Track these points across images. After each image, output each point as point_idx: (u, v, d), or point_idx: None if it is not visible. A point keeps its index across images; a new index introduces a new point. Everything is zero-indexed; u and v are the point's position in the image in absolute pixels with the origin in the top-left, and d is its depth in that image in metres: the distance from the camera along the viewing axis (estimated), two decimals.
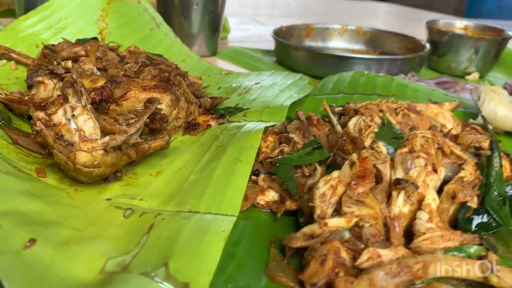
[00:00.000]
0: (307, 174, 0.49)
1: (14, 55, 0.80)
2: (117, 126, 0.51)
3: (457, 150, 0.49)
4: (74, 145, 0.47)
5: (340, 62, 0.96)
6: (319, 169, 0.48)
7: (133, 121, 0.53)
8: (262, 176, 0.50)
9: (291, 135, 0.55)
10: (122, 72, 0.67)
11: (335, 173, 0.44)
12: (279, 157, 0.51)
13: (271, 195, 0.49)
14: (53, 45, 0.75)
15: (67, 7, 0.86)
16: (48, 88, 0.67)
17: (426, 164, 0.46)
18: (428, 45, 1.07)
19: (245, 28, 1.48)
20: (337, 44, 1.25)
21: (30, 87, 0.70)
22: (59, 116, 0.48)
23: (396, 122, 0.53)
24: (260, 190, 0.49)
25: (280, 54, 1.08)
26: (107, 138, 0.49)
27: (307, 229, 0.40)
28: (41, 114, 0.48)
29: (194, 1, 1.00)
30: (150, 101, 0.56)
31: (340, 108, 0.66)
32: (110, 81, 0.62)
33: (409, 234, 0.42)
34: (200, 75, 0.91)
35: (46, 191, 0.47)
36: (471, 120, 0.71)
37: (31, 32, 0.83)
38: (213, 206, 0.46)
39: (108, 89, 0.60)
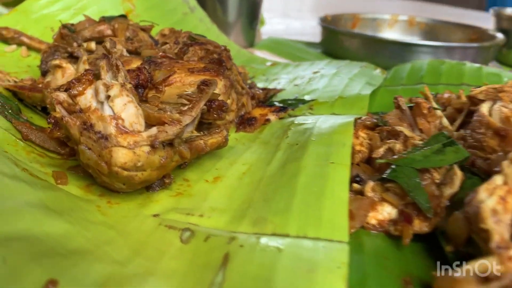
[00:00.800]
0: (439, 181, 0.34)
1: (25, 40, 0.66)
2: (167, 113, 0.36)
3: None
4: (110, 138, 0.33)
5: (405, 50, 0.81)
6: (459, 174, 0.33)
7: (186, 108, 0.39)
8: (370, 184, 0.36)
9: (399, 128, 0.40)
10: (160, 53, 0.53)
11: (498, 179, 0.29)
12: (394, 157, 0.37)
13: (387, 211, 0.34)
14: (72, 24, 0.61)
15: None
16: (67, 73, 0.53)
17: None
18: (499, 34, 0.92)
19: (277, 21, 1.34)
20: (388, 35, 1.10)
21: (44, 73, 0.57)
22: (87, 98, 0.34)
23: None
24: (371, 204, 0.34)
25: (329, 43, 0.94)
26: (154, 130, 0.35)
27: (479, 266, 0.26)
28: (62, 96, 0.34)
29: None
30: (205, 83, 0.42)
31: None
32: (147, 61, 0.48)
33: None
34: (243, 65, 0.77)
35: (68, 203, 0.33)
36: None
37: (46, 13, 0.70)
38: (309, 227, 0.32)
39: (146, 71, 0.46)
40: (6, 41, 0.67)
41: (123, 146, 0.33)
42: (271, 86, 0.69)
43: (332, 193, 0.34)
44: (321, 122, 0.48)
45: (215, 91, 0.45)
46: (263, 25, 1.16)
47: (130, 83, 0.37)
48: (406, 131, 0.39)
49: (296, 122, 0.50)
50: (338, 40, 0.89)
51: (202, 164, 0.43)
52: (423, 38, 1.08)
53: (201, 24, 0.82)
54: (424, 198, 0.33)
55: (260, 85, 0.69)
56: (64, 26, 0.60)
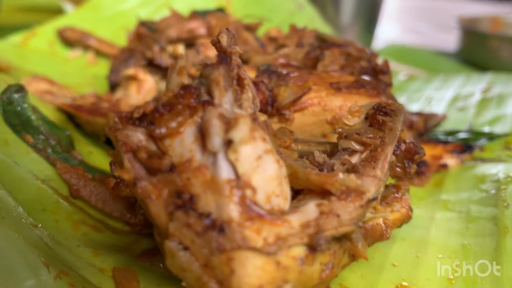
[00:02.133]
0: None
1: (93, 43, 0.52)
2: (336, 177, 0.18)
3: None
4: (231, 230, 0.15)
5: None
6: None
7: (358, 158, 0.21)
8: None
9: None
10: (281, 61, 0.35)
11: None
12: None
13: None
14: (153, 22, 0.45)
15: None
16: (145, 88, 0.38)
17: None
18: None
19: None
20: None
21: (113, 86, 0.41)
22: (186, 144, 0.17)
23: None
24: None
25: (474, 50, 0.72)
26: (312, 211, 0.17)
27: None
28: (137, 137, 0.17)
29: None
30: (385, 111, 0.23)
31: None
32: (265, 72, 0.31)
33: None
34: None
35: None
36: None
37: (120, 10, 0.56)
38: None
39: (266, 88, 0.28)
40: (71, 44, 0.52)
41: (256, 249, 0.15)
42: (425, 108, 0.49)
43: None
44: None
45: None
46: None
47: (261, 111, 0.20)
48: None
49: (502, 176, 0.30)
50: (485, 46, 0.67)
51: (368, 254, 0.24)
52: None
53: (311, 23, 0.64)
54: None
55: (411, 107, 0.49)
56: (143, 23, 0.45)
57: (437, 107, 0.48)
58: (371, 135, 0.22)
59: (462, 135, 0.40)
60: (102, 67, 0.52)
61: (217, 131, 0.16)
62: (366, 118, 0.24)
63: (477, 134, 0.39)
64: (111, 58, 0.46)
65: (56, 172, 0.26)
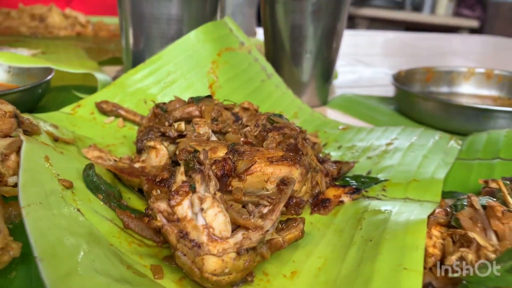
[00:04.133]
0: None
1: (122, 112, 0.75)
2: (251, 220, 0.40)
3: None
4: (202, 246, 0.38)
5: (481, 115, 0.80)
6: None
7: (266, 210, 0.43)
8: None
9: (471, 234, 0.41)
10: (242, 139, 0.58)
11: None
12: (465, 270, 0.38)
13: None
14: (164, 103, 0.68)
15: (176, 60, 0.80)
16: (160, 154, 0.60)
17: None
18: None
19: (350, 70, 1.36)
20: (464, 89, 1.09)
21: (140, 151, 0.63)
22: (184, 209, 0.39)
23: None
24: None
25: (403, 103, 0.95)
26: (239, 237, 0.39)
27: None
28: (163, 206, 0.40)
29: (307, 48, 0.90)
30: (284, 182, 0.46)
31: (508, 183, 0.52)
32: (232, 151, 0.53)
33: None
34: (316, 130, 0.80)
35: None
36: None
37: (140, 87, 0.78)
38: None
39: (231, 161, 0.51)
40: (106, 114, 0.75)
41: (213, 254, 0.38)
42: (344, 154, 0.71)
43: None
44: (395, 215, 0.49)
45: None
46: (336, 78, 1.19)
47: (216, 174, 0.42)
48: (479, 239, 0.41)
49: (369, 209, 0.53)
50: (410, 101, 0.90)
51: (280, 255, 0.47)
52: (501, 92, 1.06)
53: (277, 89, 0.87)
54: None
55: (333, 153, 0.72)
56: (157, 106, 0.67)
57: (355, 155, 0.70)
58: (274, 197, 0.44)
59: (363, 180, 0.63)
60: (129, 129, 0.75)
61: (197, 204, 0.39)
62: (277, 185, 0.47)
63: (370, 179, 0.62)
64: (138, 130, 0.68)
65: (116, 215, 0.49)
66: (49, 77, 0.79)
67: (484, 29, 4.67)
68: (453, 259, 0.40)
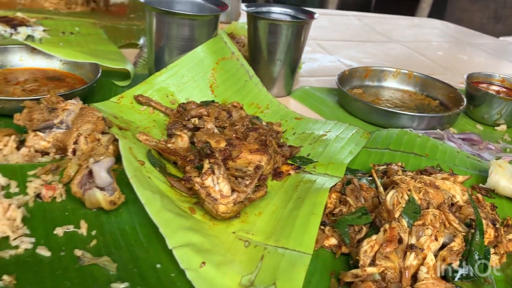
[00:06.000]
0: (356, 230, 0.79)
1: (152, 104, 1.13)
2: (241, 187, 0.82)
3: (455, 224, 0.77)
4: (217, 200, 0.80)
5: (390, 115, 1.22)
6: (364, 229, 0.78)
7: (248, 182, 0.85)
8: (327, 227, 0.81)
9: (348, 198, 0.84)
10: (234, 135, 0.98)
11: (374, 237, 0.74)
12: (339, 216, 0.81)
13: (333, 241, 0.79)
14: (183, 103, 1.07)
15: (188, 66, 1.17)
16: (184, 139, 1.00)
17: (431, 234, 0.74)
18: (465, 101, 1.31)
19: (313, 57, 1.74)
20: (391, 84, 1.50)
21: (170, 136, 1.03)
22: (208, 181, 0.80)
23: (418, 198, 0.81)
24: (326, 237, 0.80)
25: (341, 98, 1.36)
26: (234, 196, 0.81)
27: (354, 271, 0.71)
28: (198, 179, 0.81)
29: (278, 57, 1.28)
30: (258, 166, 0.88)
31: (384, 167, 0.95)
32: (228, 144, 0.93)
33: (414, 279, 0.72)
34: (280, 120, 1.21)
35: (199, 226, 0.80)
36: (480, 185, 0.98)
37: (163, 85, 1.16)
38: (297, 245, 0.77)
39: (228, 151, 0.91)
40: (141, 104, 1.13)
41: (222, 204, 0.80)
42: (296, 139, 1.13)
43: (310, 230, 0.79)
44: (316, 184, 0.92)
45: (261, 163, 0.90)
46: (300, 69, 1.57)
47: (223, 164, 0.83)
48: (351, 201, 0.84)
49: (304, 180, 0.95)
50: (347, 99, 1.31)
51: (253, 204, 0.89)
52: (416, 88, 1.48)
53: (255, 87, 1.26)
54: (348, 238, 0.78)
55: (290, 138, 1.13)
56: (180, 105, 1.06)
57: (302, 141, 1.11)
58: (252, 175, 0.86)
59: (304, 160, 1.04)
60: (157, 115, 1.13)
61: (215, 179, 0.80)
62: (254, 168, 0.88)
63: (308, 159, 1.03)
64: (168, 122, 1.07)
65: (165, 179, 0.89)
66: (99, 75, 1.15)
67: None
68: (336, 210, 0.83)
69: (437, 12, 4.27)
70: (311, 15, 1.31)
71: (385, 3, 4.58)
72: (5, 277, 0.63)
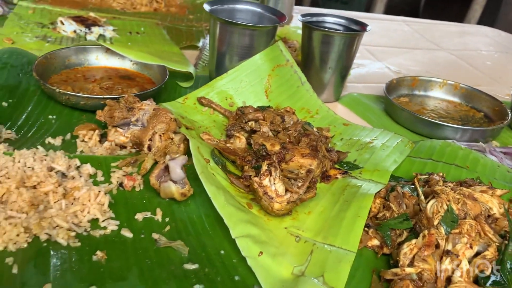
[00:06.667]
0: (398, 234, 0.87)
1: (213, 105, 1.24)
2: (294, 188, 0.92)
3: (490, 234, 0.84)
4: (273, 198, 0.90)
5: (434, 126, 1.29)
6: (405, 234, 0.86)
7: (300, 184, 0.95)
8: (371, 229, 0.90)
9: (391, 204, 0.93)
10: (288, 139, 1.08)
11: (413, 241, 0.82)
12: (383, 220, 0.90)
13: (375, 242, 0.88)
14: (242, 107, 1.17)
15: (246, 72, 1.28)
16: (242, 140, 1.11)
17: (467, 242, 0.82)
18: (510, 115, 1.35)
19: (361, 63, 1.81)
20: (437, 94, 1.56)
21: (229, 136, 1.14)
22: (266, 181, 0.91)
23: (456, 208, 0.88)
24: (369, 238, 0.89)
25: (387, 106, 1.43)
26: (288, 195, 0.91)
27: (394, 270, 0.80)
28: (257, 179, 0.91)
29: (330, 65, 1.37)
30: (309, 171, 0.97)
31: (426, 176, 1.03)
32: (282, 147, 1.03)
33: (448, 281, 0.80)
34: (328, 125, 1.29)
35: (256, 220, 0.91)
36: None
37: (223, 89, 1.27)
38: (343, 244, 0.86)
39: (282, 154, 1.01)
40: (203, 105, 1.25)
41: (277, 202, 0.90)
42: (344, 145, 1.21)
43: (355, 231, 0.89)
44: (361, 189, 1.00)
45: (312, 167, 1.00)
46: (349, 76, 1.65)
47: (279, 167, 0.93)
48: (394, 207, 0.92)
49: (350, 184, 1.04)
50: (393, 108, 1.38)
51: (304, 204, 0.98)
52: (462, 100, 1.53)
53: (307, 93, 1.35)
54: (389, 240, 0.86)
55: (338, 143, 1.22)
56: (239, 109, 1.17)
57: (350, 147, 1.20)
58: (304, 178, 0.95)
59: (350, 165, 1.13)
60: (217, 116, 1.24)
61: (272, 180, 0.90)
62: (306, 171, 0.98)
63: (354, 165, 1.12)
64: (227, 124, 1.18)
65: (226, 176, 1.00)
66: (166, 78, 1.27)
67: None
68: (380, 214, 0.92)
69: (489, 13, 4.19)
70: (363, 27, 1.39)
71: (435, 5, 4.53)
72: (98, 252, 0.75)
